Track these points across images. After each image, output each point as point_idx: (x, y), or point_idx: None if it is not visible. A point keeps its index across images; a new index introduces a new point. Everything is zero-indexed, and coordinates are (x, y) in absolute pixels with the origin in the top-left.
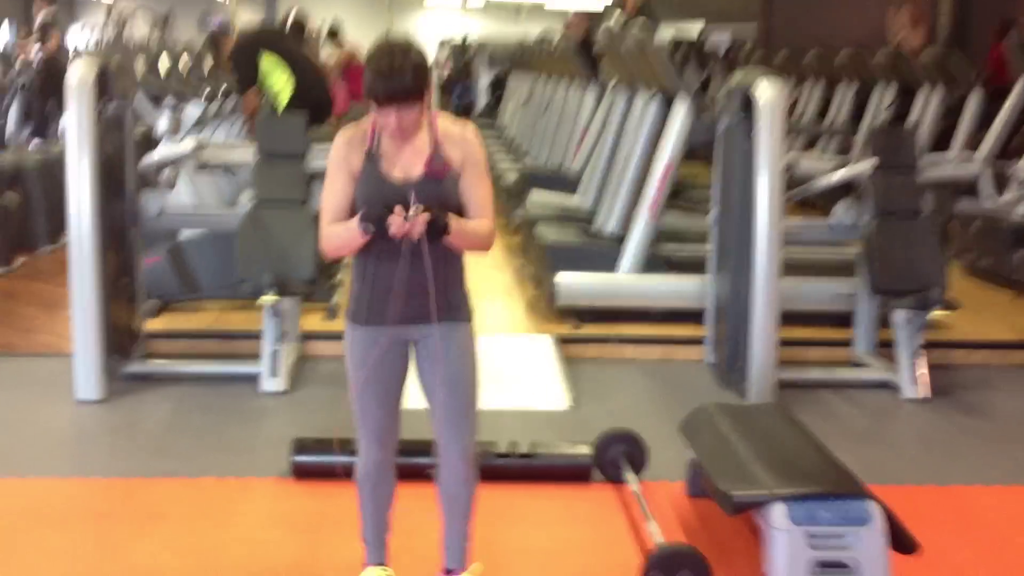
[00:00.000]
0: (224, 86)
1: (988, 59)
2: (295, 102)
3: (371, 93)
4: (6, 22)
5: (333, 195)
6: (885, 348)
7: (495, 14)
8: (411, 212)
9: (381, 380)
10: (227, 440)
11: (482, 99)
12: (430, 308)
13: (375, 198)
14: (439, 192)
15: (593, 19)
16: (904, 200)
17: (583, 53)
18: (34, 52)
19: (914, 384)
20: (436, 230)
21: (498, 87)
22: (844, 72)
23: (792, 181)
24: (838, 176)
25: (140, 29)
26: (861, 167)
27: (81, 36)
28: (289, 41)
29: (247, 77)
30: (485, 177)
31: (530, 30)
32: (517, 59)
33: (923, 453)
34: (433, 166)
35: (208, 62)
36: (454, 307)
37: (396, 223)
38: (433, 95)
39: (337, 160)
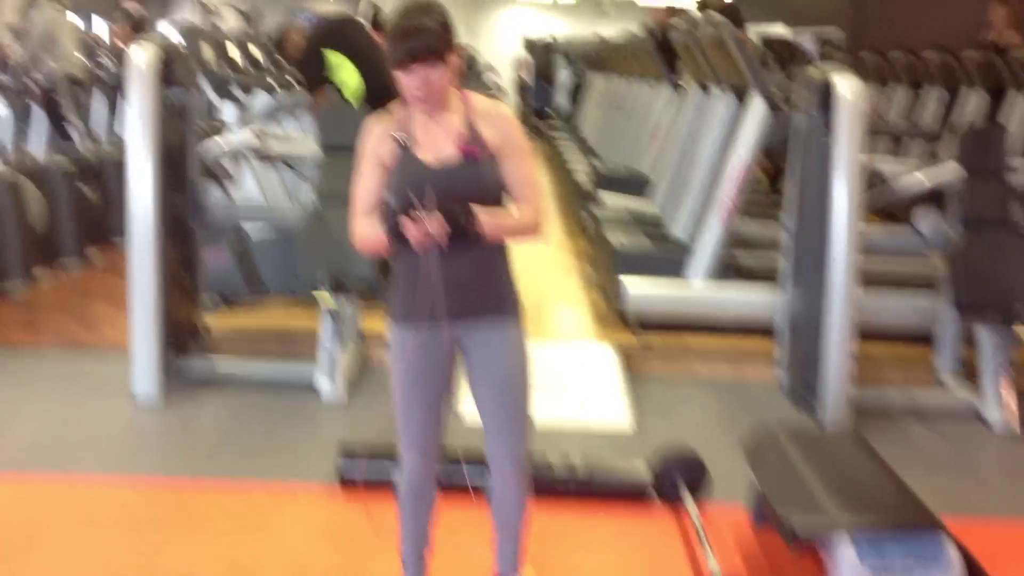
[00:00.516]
0: (292, 80)
1: None
2: (366, 95)
3: (393, 56)
4: (94, 17)
5: (363, 186)
6: (970, 369)
7: (582, 12)
8: (427, 207)
9: (424, 382)
10: (279, 444)
11: (562, 101)
12: (474, 303)
13: (407, 185)
14: (475, 173)
15: (677, 14)
16: (993, 208)
17: (661, 49)
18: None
19: (999, 409)
20: (459, 232)
21: (578, 89)
22: (931, 75)
23: (873, 186)
24: (922, 179)
25: (228, 23)
26: (947, 171)
27: (171, 30)
28: (353, 34)
29: (315, 77)
30: (527, 157)
31: (616, 30)
32: (596, 59)
33: (1006, 484)
34: (466, 144)
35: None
36: (500, 302)
37: (411, 230)
38: (510, 96)
39: (369, 150)
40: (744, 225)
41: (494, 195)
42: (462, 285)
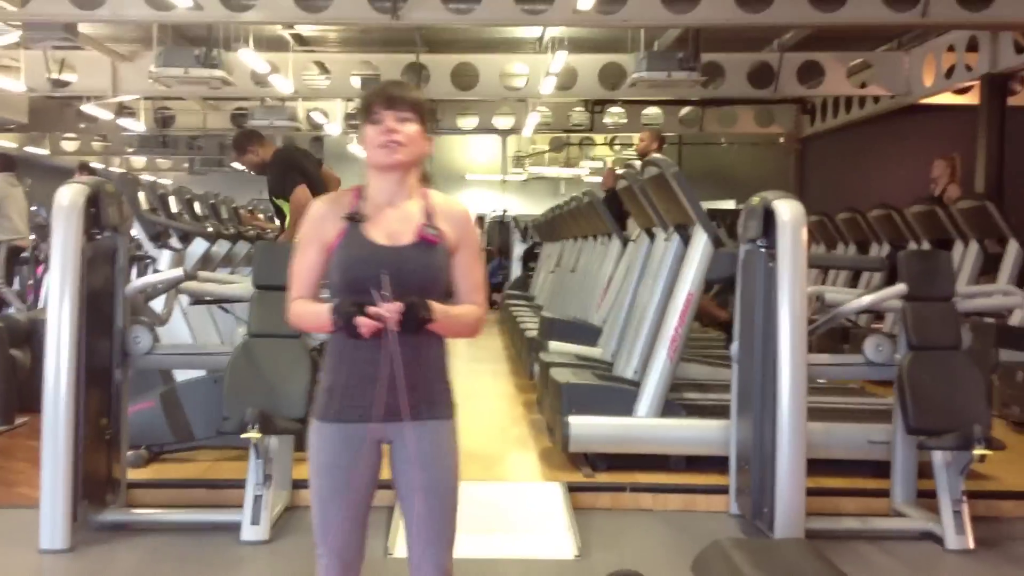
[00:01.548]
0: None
1: None
2: None
3: (369, 107)
4: None
5: (302, 268)
6: (926, 498)
7: (533, 188)
8: (384, 297)
9: (350, 486)
10: None
11: (516, 271)
12: (410, 404)
13: (356, 262)
14: (430, 261)
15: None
16: (941, 331)
17: (611, 206)
18: None
19: (958, 533)
20: (414, 320)
21: (530, 259)
22: (875, 232)
23: (818, 312)
24: (866, 301)
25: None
26: (891, 292)
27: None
28: (311, 159)
29: (292, 177)
30: (478, 259)
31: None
32: (548, 228)
33: None
34: (425, 232)
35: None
36: (434, 402)
37: (366, 325)
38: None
39: (309, 230)
40: (695, 369)
41: (441, 285)
42: (399, 383)
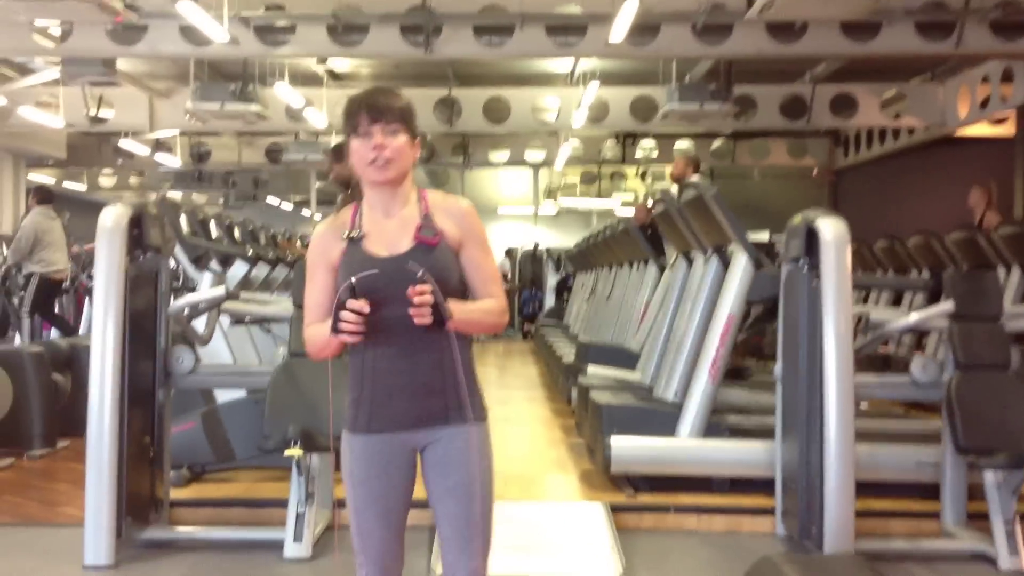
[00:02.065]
0: (271, 254)
1: None
2: None
3: (353, 121)
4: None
5: (313, 294)
6: (977, 520)
7: (566, 221)
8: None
9: (384, 495)
10: None
11: (550, 302)
12: (437, 408)
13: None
14: (432, 263)
15: (654, 208)
16: (989, 350)
17: (645, 236)
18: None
19: (1011, 554)
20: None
21: (563, 289)
22: (914, 259)
23: (863, 332)
24: (913, 320)
25: None
26: (938, 310)
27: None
28: None
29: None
30: (488, 251)
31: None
32: (581, 258)
33: None
34: (423, 235)
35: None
36: (463, 407)
37: (347, 320)
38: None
39: (315, 255)
40: (734, 393)
41: (451, 285)
42: (424, 389)
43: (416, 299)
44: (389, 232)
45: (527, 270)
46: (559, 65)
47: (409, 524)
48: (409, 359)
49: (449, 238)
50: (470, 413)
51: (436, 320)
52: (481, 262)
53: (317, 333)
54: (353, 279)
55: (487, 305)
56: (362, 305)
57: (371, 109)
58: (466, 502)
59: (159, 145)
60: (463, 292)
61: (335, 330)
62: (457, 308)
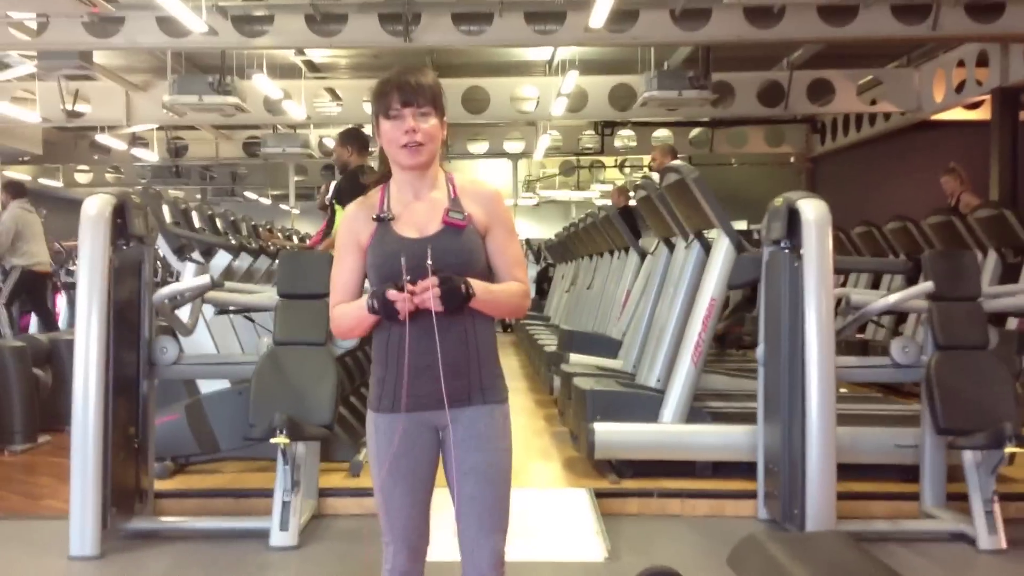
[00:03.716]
0: (253, 244)
1: None
2: None
3: (383, 103)
4: None
5: (341, 273)
6: (956, 501)
7: (545, 212)
8: (419, 278)
9: (411, 472)
10: None
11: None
12: (461, 388)
13: (388, 259)
14: (460, 245)
15: (628, 192)
16: (968, 330)
17: (625, 220)
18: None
19: (991, 533)
20: (453, 296)
21: (544, 280)
22: (892, 243)
23: (843, 313)
24: (892, 300)
25: None
26: (917, 290)
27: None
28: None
29: (349, 196)
30: (514, 235)
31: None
32: (561, 249)
33: None
34: (450, 218)
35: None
36: (487, 387)
37: (401, 302)
38: None
39: (345, 236)
40: (716, 379)
41: (477, 268)
42: (449, 370)
43: (416, 298)
44: (419, 214)
45: None
46: (538, 54)
47: None
48: (433, 340)
49: (476, 221)
50: (492, 395)
51: (459, 302)
52: (507, 246)
53: (347, 313)
54: (403, 264)
55: (512, 288)
56: (427, 284)
57: (403, 91)
58: (487, 482)
59: (136, 140)
60: (489, 275)
61: (381, 304)
62: (481, 288)
